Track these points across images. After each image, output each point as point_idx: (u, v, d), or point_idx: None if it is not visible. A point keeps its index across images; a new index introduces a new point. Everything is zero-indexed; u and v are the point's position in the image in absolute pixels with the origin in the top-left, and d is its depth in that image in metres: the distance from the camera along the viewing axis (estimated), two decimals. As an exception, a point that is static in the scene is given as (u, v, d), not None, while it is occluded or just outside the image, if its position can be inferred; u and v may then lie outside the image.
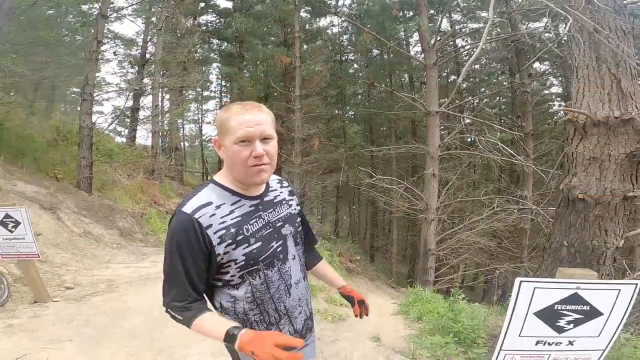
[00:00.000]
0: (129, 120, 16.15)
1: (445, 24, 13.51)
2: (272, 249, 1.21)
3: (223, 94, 22.07)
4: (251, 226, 1.18)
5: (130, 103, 14.32)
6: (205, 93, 21.64)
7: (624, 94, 2.89)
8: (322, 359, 2.92)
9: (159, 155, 13.35)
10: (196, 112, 22.66)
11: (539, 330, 1.58)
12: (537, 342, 1.61)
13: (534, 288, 1.54)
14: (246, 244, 1.15)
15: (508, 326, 1.58)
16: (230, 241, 1.12)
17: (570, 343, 1.62)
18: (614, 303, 1.59)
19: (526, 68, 12.55)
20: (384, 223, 20.38)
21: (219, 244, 1.11)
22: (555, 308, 1.57)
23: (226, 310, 1.20)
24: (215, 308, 1.24)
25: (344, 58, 18.06)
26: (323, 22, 17.49)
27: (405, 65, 15.62)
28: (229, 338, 1.06)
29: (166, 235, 1.14)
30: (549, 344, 1.61)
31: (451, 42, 11.89)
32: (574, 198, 3.04)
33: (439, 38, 9.81)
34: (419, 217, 9.86)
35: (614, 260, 3.08)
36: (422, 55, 10.13)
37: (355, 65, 18.74)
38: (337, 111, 18.58)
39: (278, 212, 1.29)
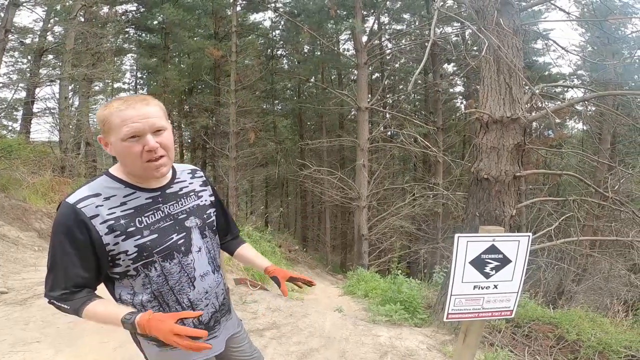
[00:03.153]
0: (18, 113, 14.29)
1: (371, 24, 14.48)
2: (171, 241, 1.17)
3: (139, 87, 20.54)
4: (146, 218, 1.14)
5: (22, 95, 12.70)
6: (117, 85, 19.89)
7: (513, 99, 3.76)
8: (299, 330, 3.29)
9: (69, 151, 12.13)
10: (105, 105, 20.64)
11: (474, 276, 2.06)
12: (474, 287, 2.08)
13: (467, 242, 2.07)
14: (138, 236, 1.12)
15: (454, 274, 2.04)
16: (119, 232, 1.09)
17: (495, 287, 2.12)
18: (517, 252, 2.18)
19: (438, 69, 14.18)
20: (315, 214, 21.14)
21: (106, 234, 1.08)
22: (482, 257, 2.09)
23: (125, 303, 1.18)
24: (116, 300, 1.21)
25: (275, 53, 18.16)
26: (256, 16, 17.36)
27: (335, 62, 16.36)
28: (128, 327, 1.05)
29: None
30: (481, 287, 2.10)
31: (377, 43, 12.87)
32: (481, 178, 3.87)
33: (369, 39, 10.65)
34: (352, 205, 10.65)
35: (510, 227, 3.98)
36: (355, 54, 10.88)
37: (286, 60, 18.98)
38: (265, 105, 18.66)
39: (182, 204, 1.25)
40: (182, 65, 17.32)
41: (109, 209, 1.09)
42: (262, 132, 15.70)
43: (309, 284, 1.47)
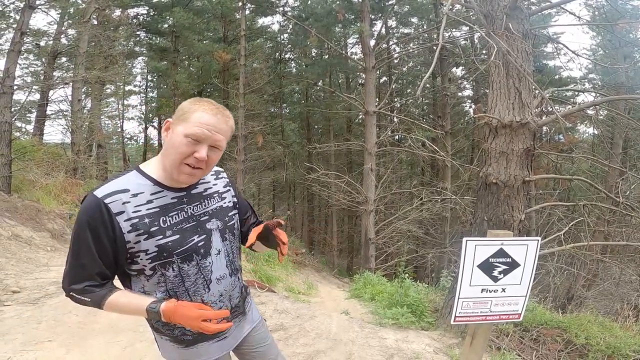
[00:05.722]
0: (32, 115, 14.62)
1: (379, 28, 14.54)
2: (192, 243, 1.17)
3: (149, 89, 20.83)
4: (170, 218, 1.14)
5: (36, 97, 13.00)
6: (128, 88, 20.22)
7: (523, 104, 3.75)
8: (306, 332, 3.32)
9: (82, 153, 12.36)
10: (116, 107, 21.04)
11: (482, 280, 2.07)
12: (482, 290, 2.08)
13: (475, 245, 2.07)
14: (160, 236, 1.12)
15: (462, 278, 2.04)
16: (142, 231, 1.09)
17: (503, 290, 2.12)
18: (526, 255, 2.18)
19: (447, 73, 14.16)
20: (322, 218, 21.15)
21: (129, 232, 1.08)
22: (490, 261, 2.08)
23: None
24: None
25: (283, 56, 18.29)
26: (264, 20, 17.54)
27: (343, 66, 16.44)
28: (153, 316, 1.09)
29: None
30: (489, 291, 2.10)
31: (385, 46, 12.90)
32: (489, 182, 3.85)
33: (377, 43, 10.69)
34: (359, 208, 10.65)
35: (519, 231, 3.96)
36: (362, 58, 10.94)
37: (294, 64, 19.11)
38: (273, 109, 18.79)
39: (205, 205, 1.24)
40: (191, 69, 17.55)
41: (135, 206, 1.10)
42: (270, 135, 15.80)
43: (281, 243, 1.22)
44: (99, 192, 1.08)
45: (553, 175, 8.61)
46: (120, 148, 21.58)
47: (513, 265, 2.16)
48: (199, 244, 1.19)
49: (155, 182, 1.15)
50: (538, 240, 2.17)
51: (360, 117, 15.63)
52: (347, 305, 5.23)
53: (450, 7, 4.19)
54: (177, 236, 1.15)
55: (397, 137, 14.79)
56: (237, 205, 1.38)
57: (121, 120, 21.02)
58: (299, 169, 15.85)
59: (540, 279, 6.97)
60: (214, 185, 1.31)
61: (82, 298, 1.12)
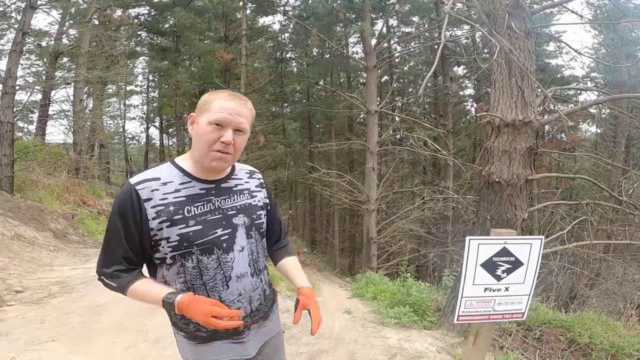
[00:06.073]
0: (34, 115, 14.69)
1: (380, 27, 14.52)
2: (214, 235, 1.17)
3: (151, 89, 20.86)
4: (195, 208, 1.16)
5: (38, 97, 13.04)
6: (129, 88, 20.26)
7: (526, 102, 3.74)
8: (309, 331, 3.30)
9: (84, 152, 12.39)
10: (117, 107, 21.09)
11: (485, 279, 2.06)
12: (485, 289, 2.08)
13: (479, 244, 2.07)
14: (183, 225, 1.13)
15: (465, 277, 2.03)
16: (165, 218, 1.11)
17: (507, 289, 2.12)
18: (529, 254, 2.17)
19: (448, 71, 14.13)
20: (323, 217, 21.16)
21: (154, 218, 1.11)
22: (493, 260, 2.07)
23: None
24: None
25: (284, 56, 18.30)
26: (265, 19, 17.55)
27: (344, 65, 16.43)
28: (167, 306, 1.10)
29: None
30: (492, 290, 2.09)
31: (386, 45, 12.90)
32: (492, 181, 3.84)
33: (379, 42, 10.69)
34: (361, 208, 10.65)
35: (522, 230, 3.95)
36: (364, 57, 10.94)
37: (295, 63, 19.12)
38: (274, 108, 18.80)
39: (234, 200, 1.25)
40: (192, 68, 17.59)
41: (163, 194, 1.13)
42: (271, 135, 15.80)
43: (312, 327, 1.28)
44: (133, 180, 1.15)
45: (556, 174, 8.59)
46: (122, 148, 21.67)
47: (516, 264, 2.15)
48: (222, 238, 1.19)
49: (186, 173, 1.19)
50: (541, 239, 2.16)
51: (361, 116, 15.63)
52: (349, 304, 5.23)
53: (452, 6, 4.17)
54: (200, 227, 1.16)
55: (398, 136, 14.79)
56: (269, 207, 1.38)
57: (123, 120, 21.11)
58: (300, 168, 15.87)
59: (543, 278, 6.95)
60: (246, 182, 1.32)
61: (110, 283, 1.15)
